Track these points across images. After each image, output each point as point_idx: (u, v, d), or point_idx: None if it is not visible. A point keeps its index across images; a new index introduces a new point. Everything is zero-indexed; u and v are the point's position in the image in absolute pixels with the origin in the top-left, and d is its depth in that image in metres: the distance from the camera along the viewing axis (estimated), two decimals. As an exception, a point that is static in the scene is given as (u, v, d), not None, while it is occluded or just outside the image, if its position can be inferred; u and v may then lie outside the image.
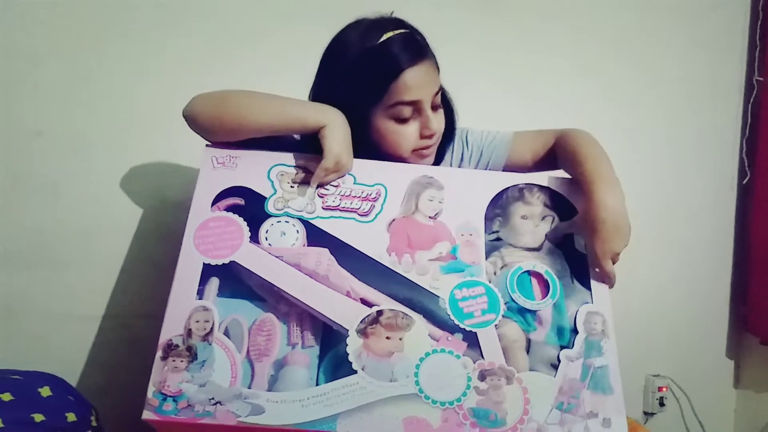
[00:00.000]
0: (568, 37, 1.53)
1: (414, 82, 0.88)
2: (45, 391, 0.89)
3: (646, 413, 1.62)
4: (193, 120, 0.91)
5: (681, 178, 1.62)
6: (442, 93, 0.96)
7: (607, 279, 0.86)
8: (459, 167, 1.04)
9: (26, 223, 1.24)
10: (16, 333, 1.22)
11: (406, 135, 0.92)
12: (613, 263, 0.85)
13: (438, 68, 0.93)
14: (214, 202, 0.89)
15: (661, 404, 1.60)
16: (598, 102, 1.54)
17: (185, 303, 0.82)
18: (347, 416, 0.75)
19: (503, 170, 1.01)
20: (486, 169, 1.02)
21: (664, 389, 1.60)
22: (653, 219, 1.58)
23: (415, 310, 0.82)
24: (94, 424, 0.96)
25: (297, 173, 0.91)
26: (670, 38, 1.60)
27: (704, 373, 1.65)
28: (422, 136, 0.92)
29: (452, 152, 1.03)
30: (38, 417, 0.86)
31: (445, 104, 0.98)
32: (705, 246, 1.65)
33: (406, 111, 0.89)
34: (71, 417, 0.89)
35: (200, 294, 0.82)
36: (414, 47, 0.89)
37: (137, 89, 1.29)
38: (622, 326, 0.91)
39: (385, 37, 0.87)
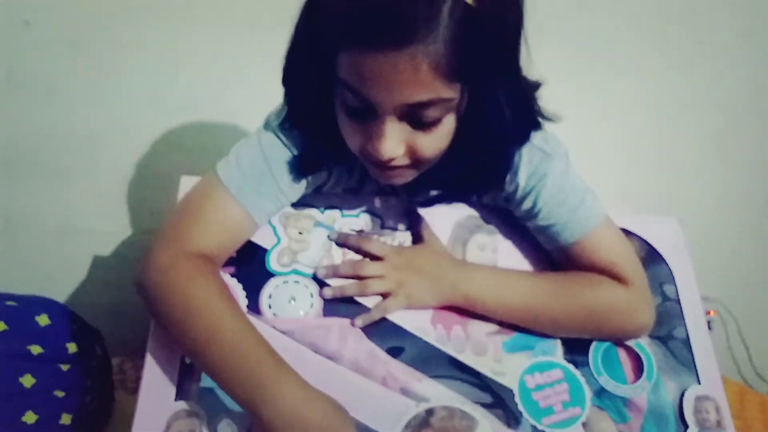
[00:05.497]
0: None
1: (368, 73, 0.51)
2: (43, 320, 0.79)
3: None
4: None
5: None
6: (472, 103, 0.55)
7: None
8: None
9: (21, 128, 1.07)
10: (13, 250, 1.10)
11: (352, 132, 0.58)
12: None
13: (455, 68, 0.50)
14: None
15: (708, 328, 1.41)
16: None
17: (160, 406, 0.58)
18: None
19: (557, 251, 0.68)
20: (535, 231, 0.68)
21: (712, 313, 1.44)
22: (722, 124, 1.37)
23: (476, 406, 0.61)
24: (99, 353, 0.84)
25: (308, 215, 0.69)
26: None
27: (757, 300, 1.50)
28: (365, 153, 0.58)
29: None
30: (35, 349, 0.76)
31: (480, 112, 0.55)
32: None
33: (351, 99, 0.54)
34: (73, 348, 0.80)
35: (181, 391, 0.59)
36: (389, 22, 0.48)
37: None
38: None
39: None
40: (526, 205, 0.66)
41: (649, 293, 0.66)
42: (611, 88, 1.24)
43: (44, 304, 0.81)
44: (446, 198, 0.70)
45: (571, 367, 0.65)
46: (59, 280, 1.07)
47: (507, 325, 0.66)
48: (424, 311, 0.66)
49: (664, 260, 0.73)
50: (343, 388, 0.61)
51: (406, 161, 0.58)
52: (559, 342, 0.66)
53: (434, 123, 0.55)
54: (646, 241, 0.73)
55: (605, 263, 0.64)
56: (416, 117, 0.54)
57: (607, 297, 0.64)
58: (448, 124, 0.56)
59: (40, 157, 1.08)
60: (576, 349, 0.66)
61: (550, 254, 0.68)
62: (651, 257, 0.72)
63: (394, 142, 0.55)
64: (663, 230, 0.74)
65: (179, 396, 0.59)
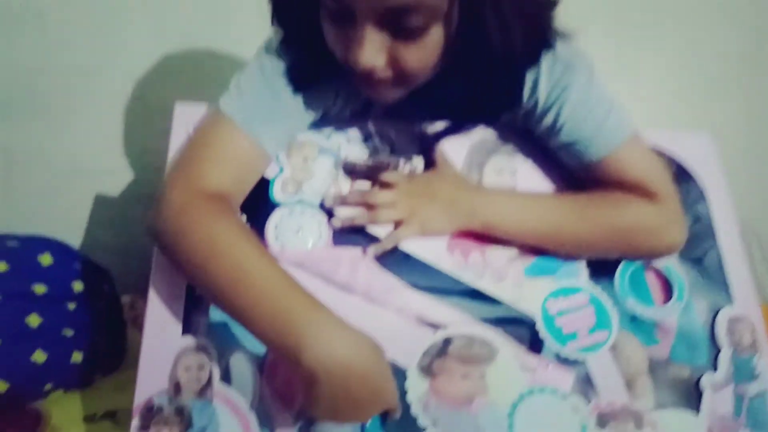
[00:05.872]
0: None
1: None
2: (45, 259, 0.76)
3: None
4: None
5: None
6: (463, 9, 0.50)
7: None
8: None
9: (15, 65, 1.01)
10: (15, 192, 1.06)
11: (334, 40, 0.54)
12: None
13: None
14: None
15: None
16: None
17: (167, 342, 0.56)
18: (421, 499, 0.52)
19: (582, 169, 0.62)
20: (558, 149, 0.63)
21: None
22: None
23: (495, 333, 0.59)
24: (107, 291, 0.83)
25: (312, 142, 0.65)
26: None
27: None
28: (347, 62, 0.54)
29: None
30: (39, 288, 0.73)
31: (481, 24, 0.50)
32: None
33: (330, 3, 0.51)
34: (79, 286, 0.77)
35: (188, 326, 0.57)
36: None
37: None
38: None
39: None
40: (548, 121, 0.60)
41: (681, 210, 0.61)
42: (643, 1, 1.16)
43: (46, 243, 0.78)
44: (459, 128, 0.65)
45: (596, 290, 0.62)
46: (64, 222, 1.04)
47: (528, 249, 0.62)
48: (440, 238, 0.62)
49: (695, 178, 0.68)
50: (356, 319, 0.57)
51: (389, 74, 0.54)
52: (583, 265, 0.63)
53: (418, 33, 0.50)
54: (675, 158, 0.68)
55: (634, 180, 0.60)
56: (398, 24, 0.49)
57: (636, 215, 0.60)
58: (435, 35, 0.51)
59: (36, 94, 1.03)
60: (601, 271, 0.63)
61: (574, 175, 0.64)
62: (681, 175, 0.67)
63: (373, 50, 0.51)
64: (694, 146, 0.69)
65: (186, 331, 0.57)
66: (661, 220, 0.60)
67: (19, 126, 1.03)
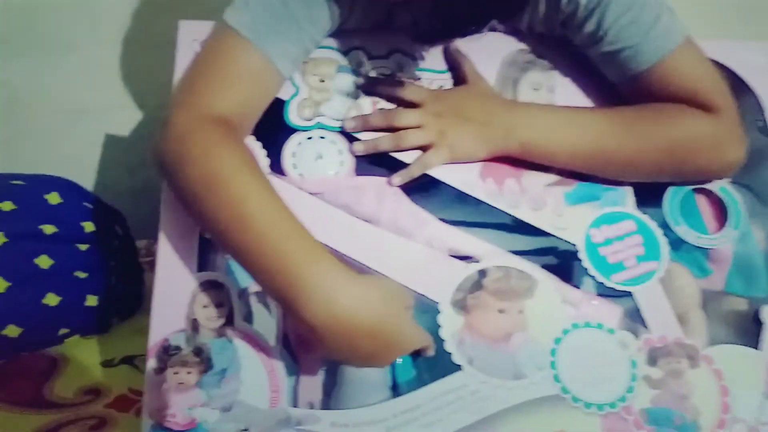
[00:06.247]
0: None
1: None
2: (53, 198, 0.72)
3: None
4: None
5: None
6: None
7: None
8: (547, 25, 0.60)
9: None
10: (23, 133, 1.01)
11: None
12: None
13: None
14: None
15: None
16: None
17: (182, 278, 0.53)
18: (458, 440, 0.49)
19: (628, 82, 0.56)
20: (600, 60, 0.57)
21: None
22: None
23: (536, 265, 0.54)
24: (120, 233, 0.79)
25: (329, 59, 0.59)
26: None
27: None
28: None
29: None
30: (48, 228, 0.69)
31: None
32: None
33: None
34: (89, 227, 0.73)
35: (204, 262, 0.53)
36: None
37: None
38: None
39: None
40: (589, 27, 0.54)
41: (740, 124, 0.55)
42: None
43: (54, 182, 0.74)
44: (484, 17, 0.56)
45: (644, 217, 0.56)
46: (75, 163, 0.99)
47: (568, 174, 0.57)
48: (472, 164, 0.57)
49: (753, 91, 0.61)
50: (383, 252, 0.54)
51: None
52: (629, 190, 0.57)
53: None
54: (731, 70, 0.61)
55: (687, 91, 0.54)
56: None
57: (691, 129, 0.54)
58: None
59: (37, 30, 0.97)
60: (649, 196, 0.57)
61: (619, 90, 0.58)
62: (737, 88, 0.60)
63: None
64: (752, 57, 0.62)
65: (203, 267, 0.53)
66: (719, 134, 0.54)
67: (19, 63, 0.97)
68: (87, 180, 1.02)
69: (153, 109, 1.02)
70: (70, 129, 1.00)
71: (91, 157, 1.02)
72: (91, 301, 0.71)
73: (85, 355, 0.70)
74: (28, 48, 0.98)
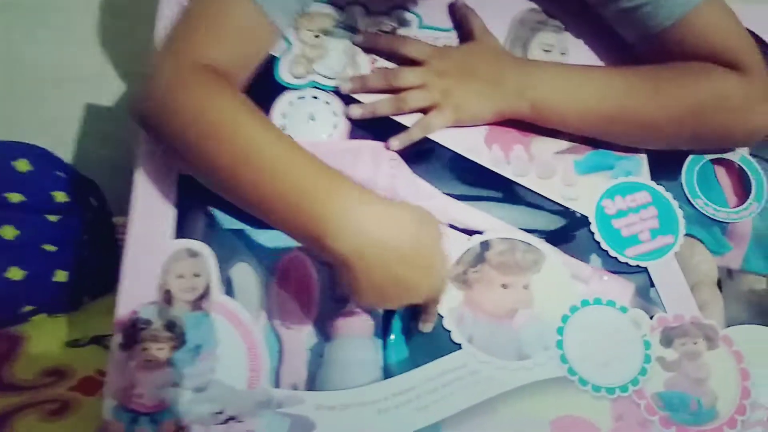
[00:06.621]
0: None
1: None
2: (22, 165, 0.69)
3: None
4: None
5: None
6: None
7: None
8: None
9: None
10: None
11: None
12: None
13: None
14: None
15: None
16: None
17: (156, 245, 0.48)
18: (457, 424, 0.44)
19: (648, 40, 0.52)
20: (618, 18, 0.53)
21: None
22: None
23: (543, 238, 0.50)
24: (94, 204, 0.75)
25: (325, 13, 0.54)
26: None
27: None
28: None
29: None
30: (14, 197, 0.66)
31: None
32: None
33: None
34: (61, 197, 0.69)
35: (181, 229, 0.48)
36: None
37: None
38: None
39: None
40: None
41: None
42: None
43: (23, 149, 0.69)
44: None
45: (660, 188, 0.52)
46: (51, 133, 0.94)
47: (579, 140, 0.53)
48: (477, 128, 0.53)
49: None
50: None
51: None
52: (644, 159, 0.53)
53: None
54: (756, 35, 0.57)
55: (713, 48, 0.49)
56: None
57: (718, 88, 0.49)
58: None
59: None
60: (665, 167, 0.53)
61: (636, 52, 0.53)
62: (763, 54, 0.57)
63: None
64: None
65: (180, 234, 0.48)
66: (749, 94, 0.50)
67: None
68: (65, 151, 0.96)
69: (136, 77, 0.96)
70: (48, 97, 0.94)
71: (69, 128, 0.96)
72: (60, 276, 0.66)
73: (50, 334, 0.65)
74: (3, 11, 0.91)
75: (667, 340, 0.48)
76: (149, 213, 0.48)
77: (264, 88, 0.52)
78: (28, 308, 0.64)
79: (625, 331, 0.48)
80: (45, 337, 0.64)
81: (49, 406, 0.56)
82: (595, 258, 0.50)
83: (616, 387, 0.46)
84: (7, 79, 0.94)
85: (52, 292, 0.65)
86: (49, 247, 0.65)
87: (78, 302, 0.69)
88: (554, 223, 0.51)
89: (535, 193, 0.51)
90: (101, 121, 0.97)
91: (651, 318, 0.48)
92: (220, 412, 0.43)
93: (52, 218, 0.66)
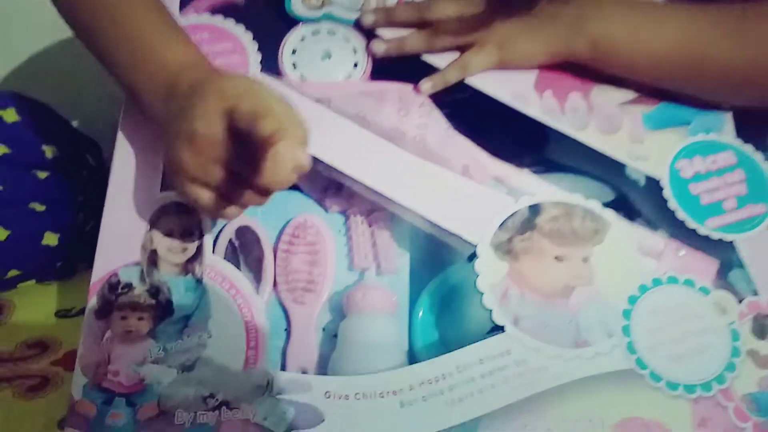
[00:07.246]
0: None
1: None
2: (9, 115, 0.62)
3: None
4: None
5: None
6: None
7: None
8: None
9: None
10: None
11: None
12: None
13: None
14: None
15: None
16: None
17: (140, 199, 0.41)
18: (497, 424, 0.36)
19: None
20: None
21: None
22: None
23: (605, 204, 0.41)
24: (91, 163, 0.69)
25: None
26: None
27: None
28: None
29: None
30: None
31: None
32: None
33: None
34: (52, 151, 0.63)
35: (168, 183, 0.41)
36: None
37: None
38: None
39: None
40: None
41: None
42: None
43: (11, 98, 0.62)
44: None
45: (747, 148, 0.43)
46: (50, 90, 0.89)
47: (650, 90, 0.44)
48: (525, 72, 0.44)
49: None
50: (406, 178, 0.41)
51: None
52: (728, 115, 0.44)
53: None
54: None
55: None
56: None
57: None
58: None
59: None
60: (754, 123, 0.44)
61: None
62: None
63: None
64: None
65: (168, 187, 0.41)
66: None
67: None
68: (63, 110, 0.92)
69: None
70: (44, 52, 0.90)
71: (68, 85, 0.91)
72: (50, 239, 0.59)
73: (38, 302, 0.58)
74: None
75: (760, 330, 0.39)
76: (133, 162, 0.41)
77: (272, 21, 0.45)
78: (13, 273, 0.57)
79: (707, 317, 0.39)
80: (32, 306, 0.58)
81: (28, 382, 0.49)
82: (669, 228, 0.41)
83: (697, 385, 0.37)
84: (10, 27, 0.89)
85: (41, 256, 0.59)
86: (38, 206, 0.58)
87: (71, 269, 0.62)
88: (620, 186, 0.42)
89: (597, 152, 0.42)
90: (99, 79, 0.93)
91: (740, 302, 0.39)
92: (210, 396, 0.36)
93: (42, 174, 0.60)
